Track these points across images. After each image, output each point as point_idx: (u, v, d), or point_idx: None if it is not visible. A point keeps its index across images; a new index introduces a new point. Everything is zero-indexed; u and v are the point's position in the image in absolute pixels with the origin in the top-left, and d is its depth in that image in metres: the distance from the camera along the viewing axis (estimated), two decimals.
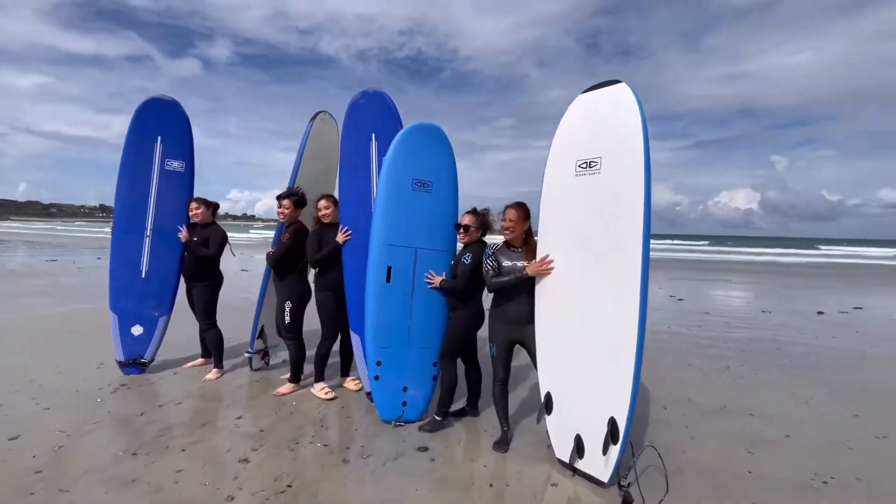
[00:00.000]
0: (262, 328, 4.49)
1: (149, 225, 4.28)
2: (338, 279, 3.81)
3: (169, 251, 4.34)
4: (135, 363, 4.30)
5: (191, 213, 4.35)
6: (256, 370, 4.57)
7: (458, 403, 3.72)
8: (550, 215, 2.90)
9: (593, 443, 2.67)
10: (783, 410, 3.90)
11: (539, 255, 2.92)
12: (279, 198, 4.03)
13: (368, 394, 3.84)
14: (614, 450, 2.55)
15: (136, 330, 4.32)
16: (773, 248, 39.06)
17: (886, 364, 5.43)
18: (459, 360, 3.56)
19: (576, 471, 2.77)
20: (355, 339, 3.84)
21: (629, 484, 2.51)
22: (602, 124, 2.64)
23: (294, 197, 4.02)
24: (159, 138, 4.27)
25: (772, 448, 3.22)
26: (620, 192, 2.53)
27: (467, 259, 3.29)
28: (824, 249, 37.53)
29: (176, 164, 4.35)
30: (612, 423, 2.54)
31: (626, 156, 2.51)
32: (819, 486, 2.74)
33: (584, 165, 2.71)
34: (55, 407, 3.53)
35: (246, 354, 4.54)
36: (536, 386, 5.50)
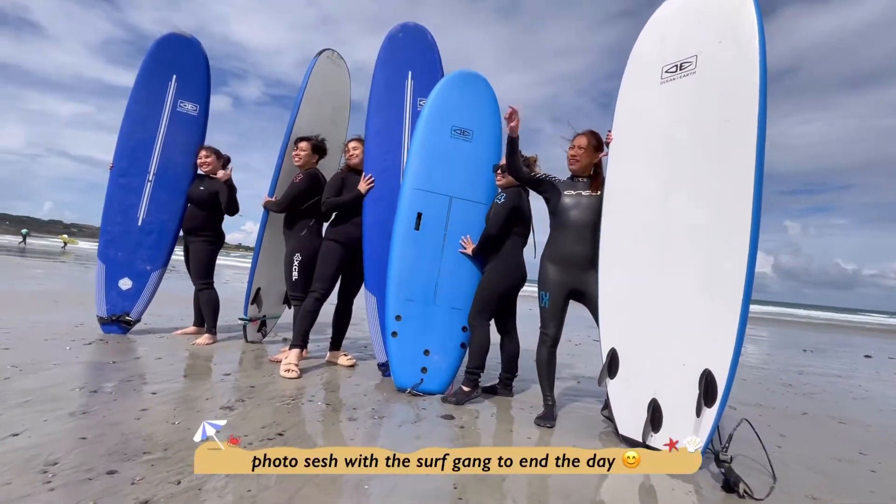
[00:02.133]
0: (258, 291, 3.89)
1: (152, 168, 3.87)
2: (351, 233, 3.28)
3: (171, 199, 3.91)
4: (118, 320, 3.76)
5: (199, 162, 3.93)
6: (252, 342, 3.98)
7: (488, 381, 3.12)
8: (625, 133, 2.42)
9: (675, 409, 2.06)
10: (877, 420, 3.22)
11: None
12: (297, 140, 3.60)
13: (381, 365, 3.25)
14: (708, 415, 1.94)
15: (125, 283, 3.82)
16: (791, 309, 37.73)
17: None
18: (493, 330, 2.99)
19: (649, 449, 2.14)
20: (370, 301, 3.29)
21: (731, 459, 1.87)
22: (698, 21, 2.19)
23: (313, 141, 3.60)
24: (174, 76, 3.93)
25: (889, 451, 2.55)
26: (724, 92, 2.04)
27: (501, 199, 2.81)
28: (847, 315, 35.93)
29: (189, 107, 3.99)
30: (708, 378, 1.94)
31: (731, 45, 2.03)
32: None
33: (674, 69, 2.25)
34: (14, 349, 3.00)
35: (239, 321, 3.97)
36: (586, 356, 4.67)
